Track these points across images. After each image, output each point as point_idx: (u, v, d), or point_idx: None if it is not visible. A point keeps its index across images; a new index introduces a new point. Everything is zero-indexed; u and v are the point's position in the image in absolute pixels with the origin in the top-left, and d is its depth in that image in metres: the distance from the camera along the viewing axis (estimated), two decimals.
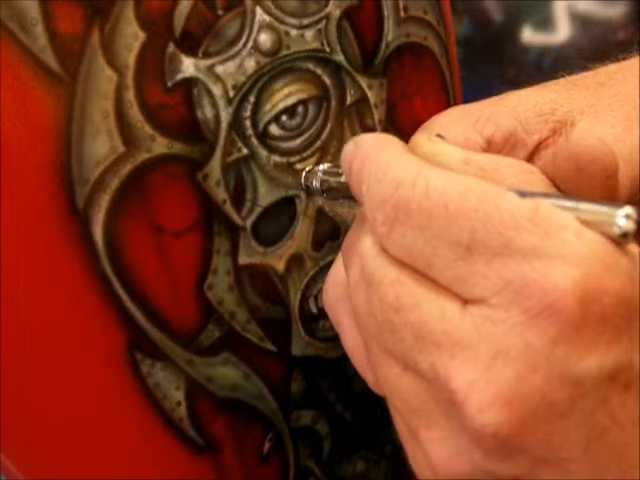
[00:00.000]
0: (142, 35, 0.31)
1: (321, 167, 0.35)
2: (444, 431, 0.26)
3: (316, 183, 0.35)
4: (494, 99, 0.35)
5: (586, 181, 0.27)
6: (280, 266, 0.36)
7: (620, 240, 0.24)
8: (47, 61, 0.30)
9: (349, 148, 0.30)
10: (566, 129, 0.34)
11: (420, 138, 0.30)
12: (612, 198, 0.28)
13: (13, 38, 0.30)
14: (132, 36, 0.31)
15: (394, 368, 0.27)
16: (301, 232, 0.36)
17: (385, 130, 0.38)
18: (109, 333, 0.33)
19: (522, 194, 0.26)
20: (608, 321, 0.24)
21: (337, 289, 0.32)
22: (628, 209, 0.24)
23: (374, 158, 0.28)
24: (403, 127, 0.38)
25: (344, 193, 0.33)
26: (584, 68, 0.38)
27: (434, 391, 0.26)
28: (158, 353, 0.34)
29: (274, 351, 0.36)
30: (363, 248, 0.28)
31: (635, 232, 0.24)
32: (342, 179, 0.33)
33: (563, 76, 0.37)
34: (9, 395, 0.33)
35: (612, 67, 0.38)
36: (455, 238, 0.25)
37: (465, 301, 0.25)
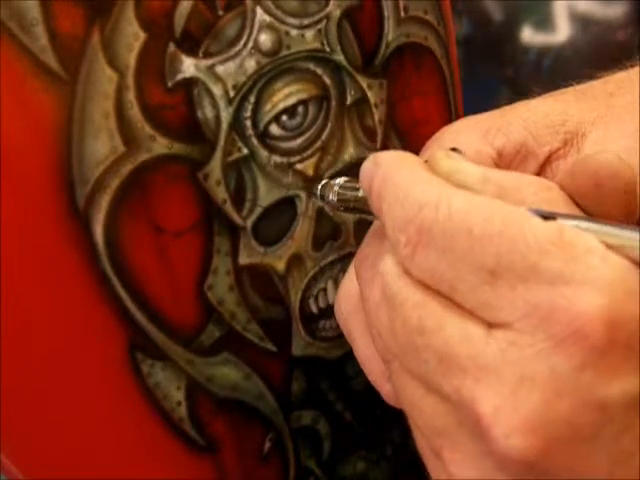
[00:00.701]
0: (142, 35, 0.31)
1: (337, 181, 0.35)
2: (469, 454, 0.26)
3: (332, 197, 0.34)
4: (504, 109, 0.35)
5: (605, 197, 0.27)
6: (280, 266, 0.36)
7: None
8: (47, 61, 0.30)
9: (368, 166, 0.29)
10: (577, 140, 0.34)
11: (438, 154, 0.29)
12: (631, 212, 0.28)
13: (13, 38, 0.30)
14: (132, 36, 0.31)
15: (418, 389, 0.27)
16: (301, 232, 0.36)
17: (385, 130, 0.38)
18: (109, 333, 0.33)
19: (545, 216, 0.25)
20: (634, 347, 0.24)
21: (350, 301, 0.32)
22: None
23: (395, 177, 0.28)
24: (403, 127, 0.38)
25: (361, 208, 0.33)
26: (592, 77, 0.37)
27: (459, 414, 0.26)
28: (158, 353, 0.34)
29: (274, 351, 0.36)
30: (385, 268, 0.28)
31: None
32: (359, 194, 0.33)
33: (572, 84, 0.37)
34: (9, 395, 0.33)
35: (621, 75, 0.37)
36: (479, 262, 0.25)
37: (490, 325, 0.25)
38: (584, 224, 0.25)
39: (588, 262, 0.24)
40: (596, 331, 0.23)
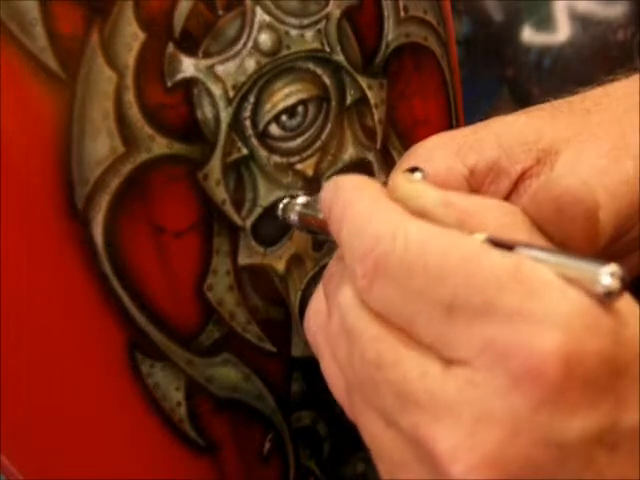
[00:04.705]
0: (142, 35, 0.31)
1: (299, 200, 0.34)
2: None
3: (294, 217, 0.34)
4: (478, 125, 0.35)
5: (567, 223, 0.27)
6: (280, 266, 0.36)
7: (605, 299, 0.24)
8: (47, 61, 0.30)
9: (329, 190, 0.29)
10: (551, 158, 0.34)
11: (399, 179, 0.29)
12: (593, 239, 0.27)
13: (13, 38, 0.30)
14: (132, 36, 0.31)
15: (377, 422, 0.26)
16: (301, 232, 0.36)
17: (385, 130, 0.38)
18: (109, 333, 0.33)
19: (504, 245, 0.25)
20: (592, 383, 0.23)
21: (318, 317, 0.31)
22: (613, 267, 0.23)
23: (354, 205, 0.27)
24: (403, 127, 0.38)
25: (322, 229, 0.32)
26: (571, 91, 0.37)
27: (416, 451, 0.25)
28: (158, 353, 0.34)
29: (274, 351, 0.36)
30: (343, 299, 0.27)
31: (620, 290, 0.23)
32: (321, 215, 0.32)
33: (549, 99, 0.37)
34: (9, 395, 0.33)
35: (599, 91, 0.37)
36: (436, 297, 0.25)
37: (447, 360, 0.25)
38: (543, 255, 0.25)
39: (546, 297, 0.24)
40: (553, 369, 0.23)
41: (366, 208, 0.27)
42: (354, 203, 0.28)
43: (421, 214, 0.27)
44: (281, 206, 0.35)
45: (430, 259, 0.25)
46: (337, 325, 0.28)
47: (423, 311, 0.25)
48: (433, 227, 0.26)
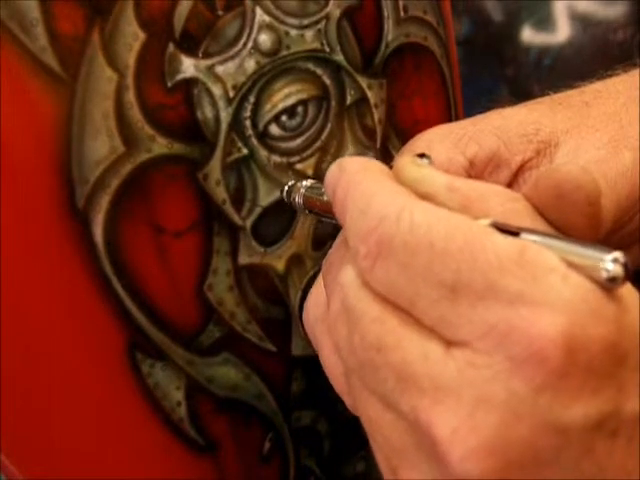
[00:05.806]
0: (142, 35, 0.31)
1: (304, 183, 0.34)
2: (425, 475, 0.25)
3: (299, 199, 0.34)
4: (478, 118, 0.35)
5: (568, 208, 0.27)
6: (280, 266, 0.36)
7: (608, 285, 0.24)
8: (47, 61, 0.30)
9: (333, 171, 0.29)
10: (550, 150, 0.34)
11: (404, 161, 0.29)
12: (595, 225, 0.27)
13: (13, 38, 0.30)
14: (132, 36, 0.31)
15: (376, 405, 0.26)
16: (301, 232, 0.36)
17: (385, 130, 0.38)
18: (109, 333, 0.33)
19: (508, 230, 0.25)
20: (594, 369, 0.23)
21: (317, 309, 0.31)
22: (616, 253, 0.24)
23: (358, 186, 0.27)
24: (403, 127, 0.38)
25: (327, 212, 0.32)
26: (571, 86, 0.37)
27: (416, 434, 0.25)
28: (158, 353, 0.34)
29: (274, 351, 0.36)
30: (344, 279, 0.27)
31: (623, 277, 0.24)
32: (325, 198, 0.32)
33: (549, 94, 0.37)
34: (9, 395, 0.33)
35: (598, 85, 0.37)
36: (439, 278, 0.25)
37: (449, 343, 0.25)
38: (547, 241, 0.25)
39: (548, 282, 0.24)
40: (554, 354, 0.23)
41: (370, 188, 0.27)
42: (358, 183, 0.27)
43: (425, 197, 0.27)
44: (286, 188, 0.35)
45: (434, 241, 0.25)
46: (337, 307, 0.27)
47: (426, 292, 0.25)
48: (438, 209, 0.26)
